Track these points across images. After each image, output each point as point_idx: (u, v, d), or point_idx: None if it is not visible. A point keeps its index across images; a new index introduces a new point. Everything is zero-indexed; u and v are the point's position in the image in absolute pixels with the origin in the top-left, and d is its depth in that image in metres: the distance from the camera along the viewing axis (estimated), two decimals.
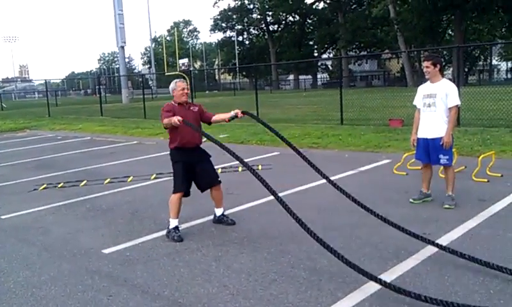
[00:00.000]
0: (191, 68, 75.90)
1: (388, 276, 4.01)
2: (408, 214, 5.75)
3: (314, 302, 3.64)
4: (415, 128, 6.28)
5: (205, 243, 5.14)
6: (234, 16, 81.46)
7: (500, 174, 7.28)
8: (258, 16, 79.81)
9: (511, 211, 5.66)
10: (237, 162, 9.40)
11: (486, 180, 7.04)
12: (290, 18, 79.73)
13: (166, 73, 65.12)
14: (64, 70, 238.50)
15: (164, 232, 5.45)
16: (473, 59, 65.22)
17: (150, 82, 71.55)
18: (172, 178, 5.55)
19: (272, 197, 6.60)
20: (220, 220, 5.72)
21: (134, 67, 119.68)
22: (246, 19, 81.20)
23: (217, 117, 5.69)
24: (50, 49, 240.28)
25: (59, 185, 8.53)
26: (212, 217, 5.85)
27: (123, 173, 9.25)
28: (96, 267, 4.67)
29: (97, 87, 47.53)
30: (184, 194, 5.41)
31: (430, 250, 4.53)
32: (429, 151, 6.07)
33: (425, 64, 6.08)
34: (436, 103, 5.97)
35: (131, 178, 8.82)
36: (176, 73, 66.29)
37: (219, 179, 5.67)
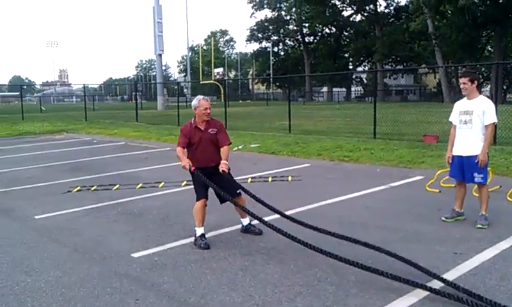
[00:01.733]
0: (226, 78, 76.62)
1: (417, 296, 3.93)
2: (439, 232, 5.63)
3: None
4: (450, 145, 6.17)
5: (232, 252, 5.16)
6: (270, 27, 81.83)
7: None
8: (295, 28, 79.96)
9: None
10: (267, 172, 9.43)
11: None
12: (327, 30, 79.56)
13: (201, 82, 66.11)
14: (103, 75, 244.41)
15: (192, 239, 5.50)
16: None
17: (185, 90, 72.60)
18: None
19: (299, 209, 6.65)
20: (247, 229, 5.74)
21: (170, 75, 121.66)
22: (282, 30, 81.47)
23: (223, 151, 5.48)
24: (89, 55, 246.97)
25: (93, 188, 8.72)
26: (239, 226, 5.88)
27: (155, 179, 9.38)
28: (124, 270, 4.75)
29: (134, 93, 48.37)
30: (206, 200, 5.43)
31: (460, 270, 4.44)
32: (464, 168, 5.95)
33: (462, 80, 5.97)
34: (472, 120, 5.86)
35: (162, 183, 8.94)
36: (211, 81, 67.05)
37: (239, 191, 5.53)
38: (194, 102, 5.48)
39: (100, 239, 5.78)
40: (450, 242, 5.27)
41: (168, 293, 4.15)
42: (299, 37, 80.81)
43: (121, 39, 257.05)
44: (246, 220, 5.74)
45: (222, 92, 73.12)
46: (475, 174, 5.84)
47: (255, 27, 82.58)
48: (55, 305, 4.00)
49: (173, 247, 5.38)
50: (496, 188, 7.41)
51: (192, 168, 5.30)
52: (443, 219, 6.11)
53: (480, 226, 5.74)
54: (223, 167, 5.29)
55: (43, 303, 4.04)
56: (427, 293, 3.95)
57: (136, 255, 5.16)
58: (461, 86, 6.01)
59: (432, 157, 10.66)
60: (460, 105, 6.10)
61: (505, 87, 55.24)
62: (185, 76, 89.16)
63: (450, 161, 6.15)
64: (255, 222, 5.73)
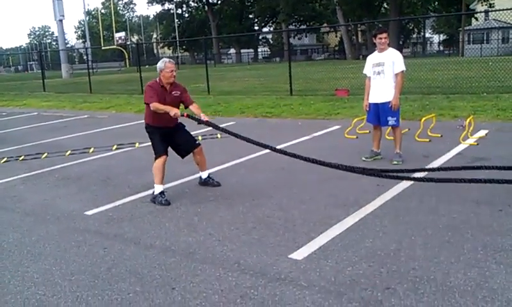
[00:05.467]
0: (128, 42, 74.09)
1: (352, 219, 4.62)
2: None
3: (292, 242, 4.18)
4: (366, 94, 6.91)
5: (183, 202, 5.55)
6: None
7: (440, 135, 8.12)
8: None
9: (452, 164, 6.41)
10: (195, 132, 9.79)
11: (428, 140, 7.83)
12: None
13: (103, 47, 63.50)
14: None
15: (141, 195, 5.82)
16: (408, 32, 67.82)
17: (84, 57, 69.46)
18: (150, 145, 5.80)
19: (236, 161, 7.17)
20: (206, 182, 6.07)
21: (67, 41, 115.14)
22: None
23: (193, 108, 5.82)
24: None
25: (21, 158, 8.60)
26: (182, 180, 6.24)
27: (82, 145, 9.40)
28: (83, 226, 4.98)
29: (35, 62, 45.55)
30: (166, 156, 5.63)
31: (385, 198, 5.19)
32: (379, 114, 6.73)
33: (383, 36, 6.59)
34: (384, 70, 6.60)
35: (92, 149, 9.01)
36: (114, 47, 64.40)
37: (198, 142, 6.03)
38: (160, 65, 5.53)
39: (47, 203, 5.90)
40: (372, 177, 6.01)
41: (133, 240, 4.49)
42: None
43: (7, 5, 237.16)
44: (205, 174, 6.07)
45: (126, 57, 71.10)
46: (389, 118, 6.64)
47: None
48: (25, 261, 4.19)
49: (124, 203, 5.65)
50: (405, 131, 8.35)
51: (185, 114, 5.48)
52: (364, 159, 6.90)
53: (396, 162, 6.59)
54: (204, 117, 5.68)
55: (13, 261, 4.20)
56: (360, 217, 4.65)
57: (89, 213, 5.38)
58: (382, 41, 6.60)
59: (346, 108, 11.58)
60: (372, 59, 6.82)
61: (401, 42, 58.85)
62: (84, 42, 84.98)
63: (368, 109, 6.91)
64: (196, 176, 6.16)
